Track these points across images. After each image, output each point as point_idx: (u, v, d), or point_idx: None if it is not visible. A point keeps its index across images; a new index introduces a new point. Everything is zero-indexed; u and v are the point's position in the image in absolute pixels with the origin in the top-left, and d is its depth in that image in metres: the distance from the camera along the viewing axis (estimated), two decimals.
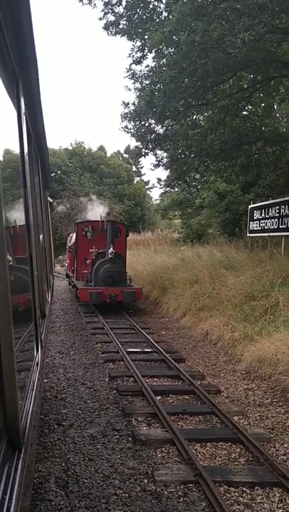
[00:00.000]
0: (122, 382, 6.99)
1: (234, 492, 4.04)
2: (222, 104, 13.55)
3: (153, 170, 59.37)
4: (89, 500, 3.86)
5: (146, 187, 48.93)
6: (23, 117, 2.81)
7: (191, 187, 23.78)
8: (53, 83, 74.84)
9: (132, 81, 14.05)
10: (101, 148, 47.95)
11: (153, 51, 12.97)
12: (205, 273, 12.28)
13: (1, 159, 2.16)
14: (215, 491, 3.88)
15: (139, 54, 14.15)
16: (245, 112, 15.93)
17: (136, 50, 14.14)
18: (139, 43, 14.25)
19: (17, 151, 2.75)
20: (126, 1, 13.93)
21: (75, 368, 7.73)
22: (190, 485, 4.12)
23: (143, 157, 15.21)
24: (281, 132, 16.19)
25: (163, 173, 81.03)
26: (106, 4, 14.25)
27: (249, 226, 14.81)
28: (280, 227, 12.35)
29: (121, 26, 14.34)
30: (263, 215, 13.57)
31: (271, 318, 8.46)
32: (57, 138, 78.66)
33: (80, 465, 4.43)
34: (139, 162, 52.17)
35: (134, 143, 51.39)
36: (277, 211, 12.58)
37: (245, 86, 13.95)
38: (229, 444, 4.96)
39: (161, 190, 32.62)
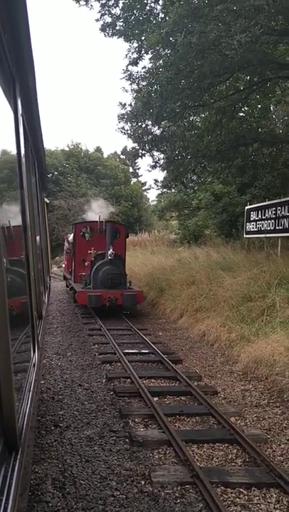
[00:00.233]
0: (119, 384, 6.99)
1: (231, 493, 4.04)
2: (219, 105, 13.57)
3: (150, 171, 59.29)
4: (86, 501, 3.85)
5: (143, 188, 48.92)
6: (20, 118, 2.81)
7: (187, 188, 23.76)
8: (50, 84, 74.85)
9: (129, 82, 14.07)
10: (98, 150, 47.94)
11: (150, 52, 12.97)
12: (202, 274, 12.29)
13: None
14: (212, 492, 3.88)
15: (135, 55, 14.18)
16: (241, 114, 15.93)
17: (132, 51, 14.17)
18: (136, 44, 14.27)
19: (14, 152, 2.74)
20: (123, 3, 13.94)
21: (72, 369, 7.72)
22: (187, 486, 4.12)
23: (140, 158, 15.14)
24: (277, 134, 16.21)
25: (160, 175, 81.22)
26: (103, 6, 14.27)
27: (246, 227, 14.84)
28: (277, 228, 12.38)
29: (118, 28, 14.34)
30: (259, 216, 13.61)
31: (268, 319, 8.48)
32: (54, 139, 78.54)
33: (77, 466, 4.43)
34: (136, 163, 51.93)
35: (130, 144, 51.36)
36: (273, 212, 12.61)
37: (242, 87, 13.96)
38: (226, 445, 4.96)
39: (158, 192, 32.66)
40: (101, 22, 14.57)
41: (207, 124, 14.58)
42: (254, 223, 14.05)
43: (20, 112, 2.77)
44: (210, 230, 23.44)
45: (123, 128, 13.94)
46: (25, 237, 3.08)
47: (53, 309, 14.07)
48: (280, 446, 4.97)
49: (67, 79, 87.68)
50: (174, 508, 3.80)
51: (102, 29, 14.57)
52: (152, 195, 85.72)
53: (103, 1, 14.14)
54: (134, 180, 49.44)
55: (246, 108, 16.08)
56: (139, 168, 52.39)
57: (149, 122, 13.34)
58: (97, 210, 16.59)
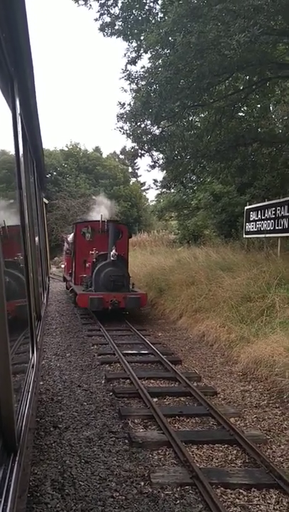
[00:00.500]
0: (119, 384, 6.98)
1: (231, 494, 4.04)
2: (218, 105, 13.55)
3: (149, 171, 59.44)
4: (85, 502, 3.84)
5: (143, 188, 48.92)
6: (19, 118, 2.80)
7: (187, 188, 23.74)
8: (48, 84, 74.78)
9: (128, 82, 14.05)
10: (97, 150, 47.89)
11: (149, 52, 12.95)
12: (201, 274, 12.28)
13: None
14: (212, 492, 3.88)
15: (134, 54, 14.15)
16: (241, 114, 15.91)
17: (131, 50, 14.14)
18: (135, 44, 14.25)
19: (12, 152, 2.73)
20: (122, 2, 13.92)
21: (71, 370, 7.70)
22: (187, 487, 4.11)
23: (139, 158, 15.10)
24: (277, 133, 16.19)
25: (159, 174, 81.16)
26: (102, 5, 14.23)
27: (245, 227, 14.83)
28: (276, 228, 12.38)
29: (117, 27, 14.31)
30: (259, 216, 13.60)
31: (267, 319, 8.48)
32: (52, 139, 78.30)
33: (76, 467, 4.41)
34: (135, 163, 52.09)
35: (130, 144, 51.47)
36: (273, 212, 12.61)
37: (241, 87, 13.95)
38: (226, 445, 4.96)
39: (158, 192, 32.64)
40: (100, 22, 14.55)
41: (206, 123, 14.56)
42: (254, 223, 14.04)
43: (18, 111, 2.76)
44: (209, 230, 23.43)
45: (122, 127, 13.93)
46: (24, 237, 3.07)
47: (52, 310, 14.05)
48: (279, 447, 4.96)
49: (66, 78, 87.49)
50: (173, 509, 3.78)
51: (101, 29, 14.54)
52: (151, 195, 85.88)
53: (102, 1, 14.11)
54: (133, 180, 49.47)
55: (246, 108, 16.06)
56: (138, 168, 52.52)
57: (148, 122, 13.32)
58: (103, 212, 15.80)
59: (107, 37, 14.73)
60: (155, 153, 15.39)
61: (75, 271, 14.68)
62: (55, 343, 9.64)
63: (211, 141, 13.95)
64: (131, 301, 11.64)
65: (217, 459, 4.68)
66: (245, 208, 15.01)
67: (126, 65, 14.11)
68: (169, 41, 10.78)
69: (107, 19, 14.44)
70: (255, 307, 9.07)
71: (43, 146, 6.53)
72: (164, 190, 28.07)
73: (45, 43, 79.94)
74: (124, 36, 14.26)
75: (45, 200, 10.69)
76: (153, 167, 15.94)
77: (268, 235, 12.98)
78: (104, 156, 48.26)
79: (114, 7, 14.22)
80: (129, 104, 13.50)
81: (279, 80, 13.98)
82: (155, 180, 39.42)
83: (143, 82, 12.81)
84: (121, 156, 51.23)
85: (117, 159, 49.73)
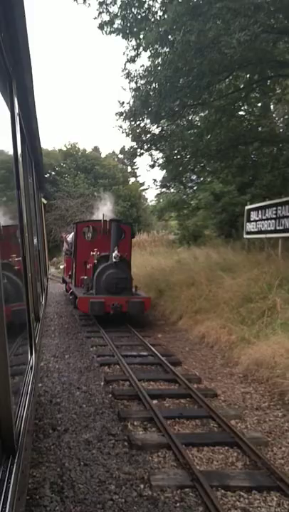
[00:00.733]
0: (118, 386, 6.94)
1: (231, 496, 4.00)
2: (218, 104, 13.52)
3: (148, 171, 59.37)
4: (84, 505, 3.81)
5: (142, 188, 48.89)
6: (17, 118, 2.78)
7: (187, 188, 23.72)
8: (47, 83, 74.74)
9: (128, 80, 14.01)
10: (95, 149, 47.91)
11: (148, 50, 12.91)
12: (201, 275, 12.24)
13: None
14: (212, 495, 3.85)
15: (133, 53, 14.10)
16: (241, 112, 15.91)
17: (130, 48, 14.09)
18: (134, 42, 14.20)
19: (10, 151, 2.72)
20: (121, 0, 13.87)
21: (70, 372, 7.66)
22: (187, 489, 4.08)
23: (138, 157, 15.07)
24: (278, 132, 16.19)
25: (158, 174, 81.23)
26: (101, 4, 14.18)
27: (246, 227, 14.79)
28: (277, 228, 12.35)
29: (116, 26, 14.26)
30: (259, 216, 13.56)
31: (268, 320, 8.44)
32: (51, 139, 78.56)
33: (75, 470, 4.38)
34: (134, 163, 52.09)
35: (129, 143, 51.41)
36: (274, 212, 12.57)
37: (241, 86, 13.92)
38: (226, 448, 4.92)
39: (157, 191, 32.59)
40: (99, 20, 14.50)
41: (206, 122, 14.53)
42: (254, 223, 14.01)
43: (17, 111, 2.75)
44: (209, 230, 23.42)
45: (121, 126, 13.91)
46: (22, 238, 3.05)
47: (51, 311, 14.01)
48: (280, 449, 4.92)
49: (64, 78, 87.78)
50: (173, 511, 3.75)
51: (100, 27, 14.49)
52: (151, 194, 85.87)
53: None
54: (132, 179, 49.45)
55: (246, 107, 16.05)
56: (137, 168, 52.51)
57: (148, 121, 13.31)
58: (107, 214, 15.36)
59: (106, 35, 14.70)
60: (154, 153, 15.39)
61: (75, 272, 14.18)
62: (53, 345, 9.60)
63: (211, 140, 13.93)
64: (134, 306, 11.12)
65: (217, 462, 4.65)
66: (246, 207, 14.95)
67: (125, 64, 14.08)
68: (169, 40, 10.77)
69: (106, 17, 14.40)
70: (255, 308, 9.03)
71: (42, 146, 6.49)
72: (163, 189, 28.04)
73: (43, 42, 79.92)
74: (123, 34, 14.22)
75: (43, 200, 10.64)
76: (152, 166, 15.95)
77: (268, 235, 12.94)
78: (103, 155, 48.28)
79: (113, 5, 14.16)
80: (129, 103, 13.49)
81: (279, 79, 13.95)
82: (155, 180, 39.31)
83: (142, 81, 12.78)
84: (120, 156, 51.21)
85: (116, 159, 49.72)
